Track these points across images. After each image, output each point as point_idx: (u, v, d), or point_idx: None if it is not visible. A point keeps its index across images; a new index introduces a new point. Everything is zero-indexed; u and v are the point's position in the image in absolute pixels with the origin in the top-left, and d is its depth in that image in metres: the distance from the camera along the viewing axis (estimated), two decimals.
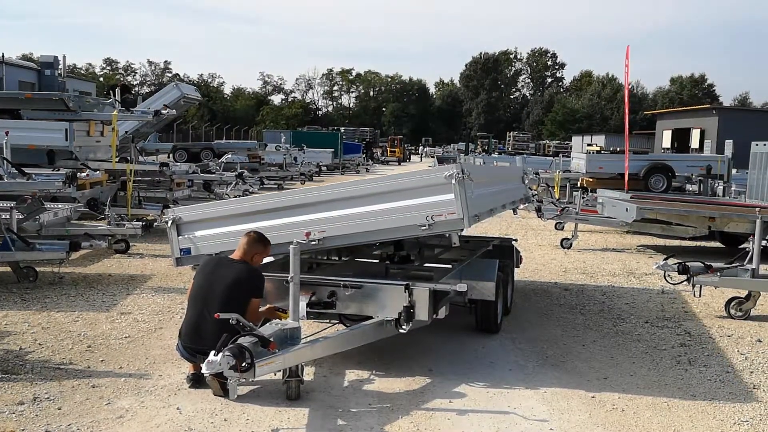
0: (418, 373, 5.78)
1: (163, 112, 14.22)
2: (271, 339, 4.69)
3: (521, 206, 15.30)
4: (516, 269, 9.26)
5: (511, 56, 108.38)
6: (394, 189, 5.54)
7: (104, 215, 11.01)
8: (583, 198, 14.44)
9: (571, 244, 12.96)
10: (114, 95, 13.78)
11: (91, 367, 5.74)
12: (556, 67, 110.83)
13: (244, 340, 4.53)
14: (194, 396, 5.12)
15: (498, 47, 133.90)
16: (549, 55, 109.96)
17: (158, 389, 5.25)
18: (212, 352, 4.35)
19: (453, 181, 5.30)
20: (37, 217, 10.05)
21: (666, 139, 47.62)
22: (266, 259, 6.30)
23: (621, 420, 4.94)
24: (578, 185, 19.19)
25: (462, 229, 5.46)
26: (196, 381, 5.22)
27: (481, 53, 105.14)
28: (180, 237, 6.05)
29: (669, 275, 8.16)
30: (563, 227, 14.73)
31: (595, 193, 15.87)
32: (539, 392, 5.42)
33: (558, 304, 8.51)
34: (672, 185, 20.71)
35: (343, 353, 5.88)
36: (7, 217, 8.67)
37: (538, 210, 13.54)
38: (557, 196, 18.08)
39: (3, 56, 51.09)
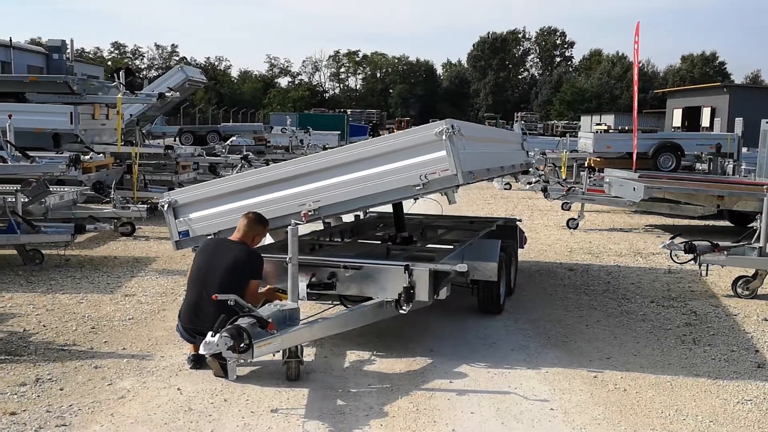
0: (420, 353, 5.77)
1: (167, 94, 14.19)
2: (270, 320, 4.68)
3: (528, 185, 15.32)
4: (520, 250, 9.24)
5: (519, 36, 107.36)
6: (385, 151, 5.49)
7: (110, 198, 11.02)
8: (589, 178, 14.34)
9: (578, 225, 12.90)
10: (118, 78, 13.75)
11: (95, 348, 5.76)
12: (565, 46, 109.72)
13: (243, 321, 4.52)
14: (195, 377, 5.13)
15: (506, 27, 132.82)
16: (558, 34, 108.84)
17: (160, 370, 5.27)
18: (210, 333, 4.34)
19: (443, 137, 5.25)
20: (43, 200, 10.08)
21: (676, 118, 47.19)
22: (267, 239, 6.31)
23: (623, 399, 4.91)
24: (585, 165, 19.07)
25: (458, 186, 5.38)
26: (197, 362, 5.23)
27: (489, 33, 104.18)
28: (178, 220, 6.03)
29: (675, 254, 8.10)
30: (570, 207, 14.64)
31: (603, 172, 15.78)
32: (541, 372, 5.40)
33: (562, 284, 8.48)
34: (681, 164, 20.55)
35: (344, 334, 5.88)
36: (12, 200, 8.68)
37: (544, 190, 13.48)
38: (564, 176, 17.98)
39: (11, 40, 51.15)
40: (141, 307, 7.01)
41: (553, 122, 64.07)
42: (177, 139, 27.69)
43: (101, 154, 10.18)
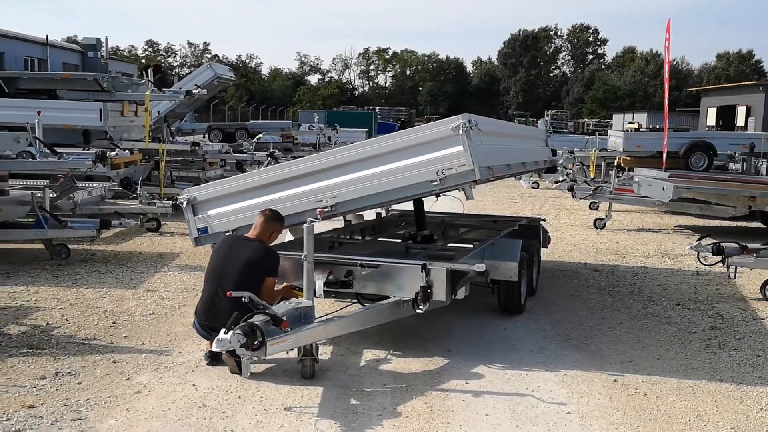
0: (437, 353, 5.73)
1: (194, 92, 14.31)
2: (284, 318, 4.67)
3: (555, 184, 15.16)
4: (544, 249, 9.13)
5: (551, 33, 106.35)
6: (402, 147, 5.45)
7: (136, 194, 11.15)
8: (618, 177, 14.12)
9: (605, 224, 12.72)
10: (147, 76, 13.90)
11: (114, 342, 5.81)
12: (598, 43, 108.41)
13: (256, 319, 4.52)
14: (211, 373, 5.15)
15: (537, 24, 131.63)
16: (590, 31, 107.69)
17: (177, 366, 5.30)
18: (222, 330, 4.35)
19: (460, 132, 5.19)
20: (72, 195, 10.24)
21: (711, 117, 46.34)
22: (287, 236, 6.31)
23: (642, 404, 4.82)
24: (615, 164, 18.79)
25: (475, 181, 5.31)
26: (214, 358, 5.24)
27: (519, 30, 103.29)
28: (197, 217, 6.05)
29: (703, 256, 7.94)
30: (598, 207, 14.44)
31: (632, 172, 15.55)
32: (559, 375, 5.32)
33: (586, 285, 8.36)
34: (713, 164, 20.14)
35: (361, 333, 5.86)
36: (41, 195, 8.82)
37: (571, 189, 13.32)
38: (592, 176, 17.75)
39: (47, 38, 52.09)
40: (162, 302, 7.07)
41: (583, 120, 63.30)
42: (206, 136, 27.95)
43: (126, 151, 10.30)
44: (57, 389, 4.78)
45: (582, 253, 10.39)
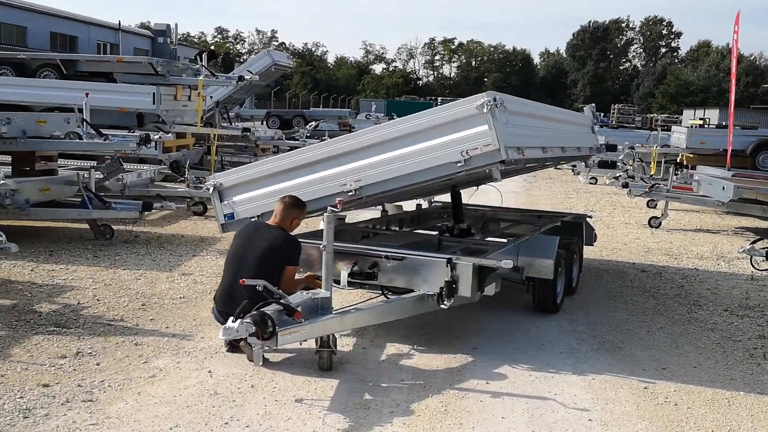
0: (462, 350, 5.56)
1: (246, 77, 14.39)
2: (298, 308, 4.58)
3: (611, 180, 14.64)
4: (591, 247, 8.83)
5: (622, 25, 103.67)
6: (426, 127, 5.27)
7: (184, 178, 11.28)
8: (676, 174, 13.55)
9: (660, 223, 12.23)
10: (200, 61, 14.06)
11: (140, 325, 5.85)
12: (671, 36, 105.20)
13: (269, 308, 4.45)
14: (229, 360, 5.12)
15: (609, 15, 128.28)
16: (664, 23, 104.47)
17: (197, 351, 5.28)
18: (231, 318, 4.29)
19: (485, 110, 4.98)
20: (121, 177, 10.43)
21: None
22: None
23: (671, 414, 4.55)
24: (675, 161, 18.09)
25: (502, 161, 5.06)
26: (234, 345, 5.20)
27: (590, 22, 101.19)
28: (223, 203, 6.02)
29: (756, 261, 7.52)
30: (656, 205, 13.91)
31: (693, 169, 14.93)
32: (586, 379, 5.09)
33: (631, 285, 8.02)
34: None
35: (388, 326, 5.75)
36: (86, 176, 9.00)
37: (625, 186, 12.86)
38: (653, 173, 17.13)
39: (120, 24, 53.61)
40: (195, 286, 7.10)
41: (652, 116, 61.39)
42: (264, 122, 28.24)
43: (170, 134, 10.44)
44: (75, 369, 4.82)
45: (631, 252, 10.00)
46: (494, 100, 4.99)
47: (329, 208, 4.94)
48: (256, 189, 5.86)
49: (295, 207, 5.32)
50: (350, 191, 5.44)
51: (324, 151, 5.65)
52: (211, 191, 6.01)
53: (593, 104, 9.67)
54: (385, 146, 5.39)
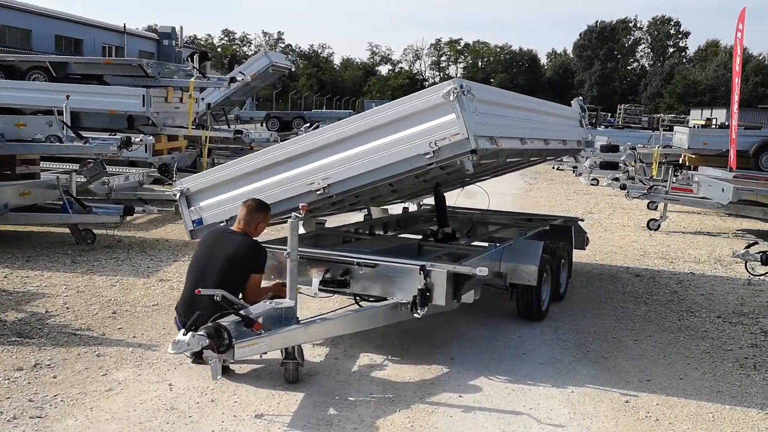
0: (438, 360, 5.34)
1: (238, 78, 14.20)
2: (259, 319, 4.37)
3: (610, 181, 14.38)
4: (583, 251, 8.61)
5: (630, 25, 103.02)
6: (393, 119, 5.04)
7: (172, 181, 11.09)
8: (676, 176, 13.27)
9: (659, 226, 11.97)
10: (192, 62, 13.88)
11: (106, 334, 5.66)
12: (679, 36, 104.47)
13: (225, 320, 4.24)
14: (192, 372, 4.91)
15: (616, 15, 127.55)
16: (672, 23, 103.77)
17: (160, 362, 5.08)
18: (181, 332, 4.08)
19: (451, 98, 4.76)
20: (106, 180, 10.26)
21: None
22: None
23: (651, 430, 4.32)
24: (674, 162, 17.78)
25: (473, 152, 4.82)
26: (198, 356, 4.98)
27: (597, 22, 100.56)
28: (191, 208, 5.80)
29: (751, 266, 7.26)
30: (656, 207, 13.63)
31: (695, 170, 14.64)
32: (565, 392, 4.85)
33: (622, 291, 7.77)
34: None
35: (364, 335, 5.54)
36: (67, 179, 8.82)
37: (623, 187, 12.60)
38: (654, 174, 16.84)
39: (125, 26, 53.62)
40: (170, 293, 6.90)
41: (659, 116, 60.89)
42: (264, 123, 28.05)
43: (151, 137, 10.25)
44: (29, 382, 4.63)
45: (627, 256, 9.75)
46: (461, 87, 4.77)
47: (293, 214, 4.72)
48: (223, 193, 5.64)
49: (259, 210, 5.10)
50: (318, 190, 5.22)
51: (290, 149, 5.42)
52: (178, 197, 5.79)
53: (580, 97, 9.40)
54: (352, 141, 5.17)
